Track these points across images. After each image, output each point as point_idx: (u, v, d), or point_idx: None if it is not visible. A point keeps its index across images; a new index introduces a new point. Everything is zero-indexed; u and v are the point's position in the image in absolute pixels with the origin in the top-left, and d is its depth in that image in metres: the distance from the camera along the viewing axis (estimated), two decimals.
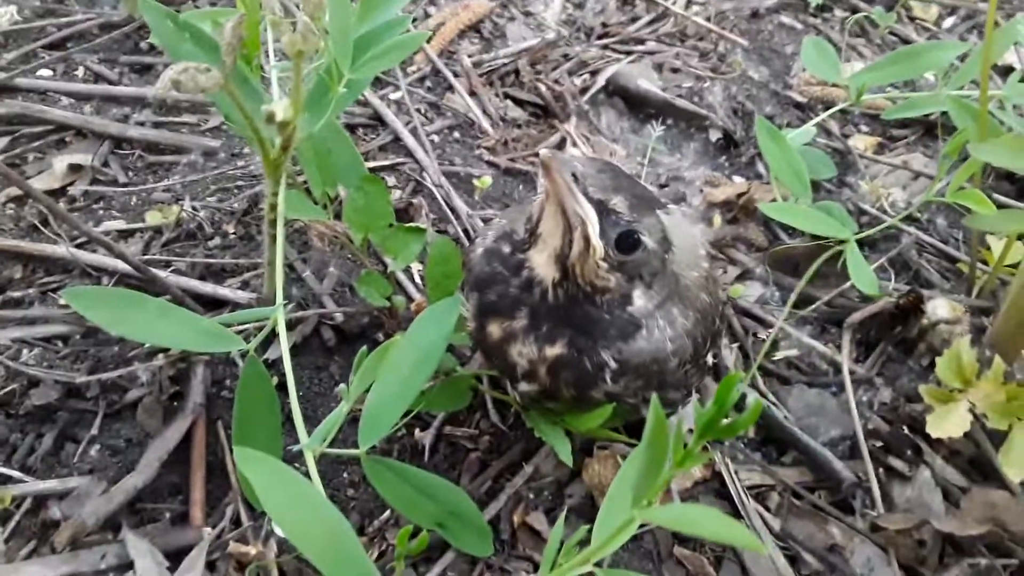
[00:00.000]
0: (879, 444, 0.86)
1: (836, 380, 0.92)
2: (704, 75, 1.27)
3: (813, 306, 0.99)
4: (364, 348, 0.63)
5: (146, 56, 1.16)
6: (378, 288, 0.85)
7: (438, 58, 1.23)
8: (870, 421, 0.87)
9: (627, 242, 0.62)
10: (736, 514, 0.80)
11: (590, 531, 0.55)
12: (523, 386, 0.69)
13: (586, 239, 0.61)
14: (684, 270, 0.69)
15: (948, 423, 0.83)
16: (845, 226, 0.98)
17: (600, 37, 1.33)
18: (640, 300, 0.65)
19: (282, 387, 0.79)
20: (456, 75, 1.21)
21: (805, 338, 0.96)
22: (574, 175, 0.60)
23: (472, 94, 1.20)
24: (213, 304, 0.86)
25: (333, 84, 0.72)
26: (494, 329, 0.68)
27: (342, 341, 0.87)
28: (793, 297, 0.96)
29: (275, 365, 0.84)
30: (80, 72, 1.13)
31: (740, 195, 1.12)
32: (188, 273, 0.88)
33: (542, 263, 0.65)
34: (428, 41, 1.24)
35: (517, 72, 1.24)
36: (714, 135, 1.21)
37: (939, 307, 0.95)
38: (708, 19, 1.38)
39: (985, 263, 1.02)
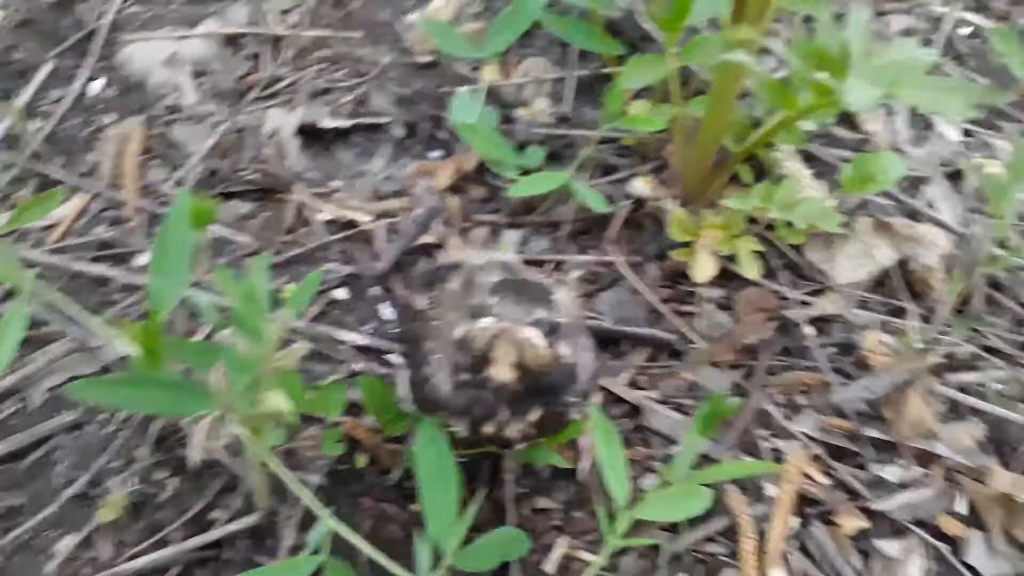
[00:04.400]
0: (673, 304, 1.23)
1: (615, 274, 1.27)
2: (353, 84, 1.44)
3: (567, 229, 1.30)
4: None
5: None
6: (334, 440, 1.03)
7: (142, 199, 1.27)
8: (658, 292, 1.24)
9: (552, 330, 0.88)
10: (636, 409, 1.14)
11: None
12: (520, 445, 0.94)
13: (535, 347, 0.86)
14: (570, 312, 0.96)
15: (702, 269, 1.22)
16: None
17: (244, 94, 1.42)
18: (566, 350, 0.92)
19: None
20: None
21: (578, 257, 1.28)
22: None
23: None
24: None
25: None
26: (488, 428, 0.91)
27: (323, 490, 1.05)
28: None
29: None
30: None
31: (455, 171, 1.36)
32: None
33: (503, 373, 0.88)
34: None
35: (214, 172, 1.32)
36: (397, 131, 1.41)
37: (637, 187, 1.31)
38: (307, 26, 1.51)
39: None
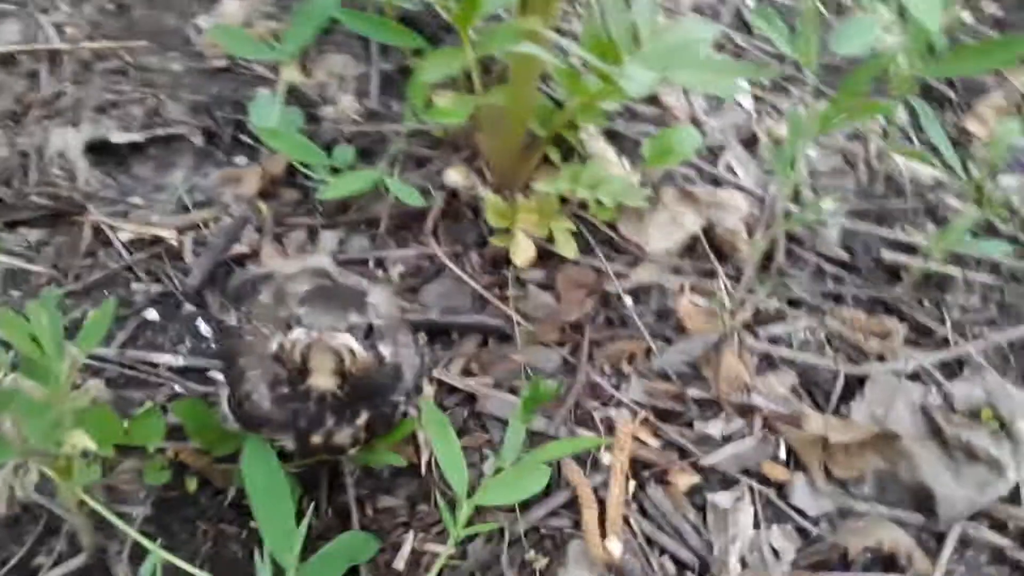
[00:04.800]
0: (497, 290, 1.24)
1: (438, 265, 1.26)
2: (143, 95, 1.37)
3: (385, 226, 1.29)
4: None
5: None
6: (157, 468, 0.98)
7: None
8: (482, 279, 1.25)
9: (369, 333, 0.86)
10: (472, 396, 1.14)
11: None
12: (352, 451, 0.93)
13: (353, 352, 0.84)
14: (386, 311, 0.95)
15: (521, 252, 1.23)
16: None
17: (24, 115, 1.32)
18: (386, 350, 0.90)
19: None
20: None
21: (398, 252, 1.27)
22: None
23: None
24: None
25: None
26: (315, 439, 0.89)
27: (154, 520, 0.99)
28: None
29: None
30: None
31: (263, 176, 1.32)
32: None
33: (322, 382, 0.86)
34: None
35: None
36: (196, 140, 1.35)
37: (451, 177, 1.31)
38: (88, 38, 1.42)
39: None
